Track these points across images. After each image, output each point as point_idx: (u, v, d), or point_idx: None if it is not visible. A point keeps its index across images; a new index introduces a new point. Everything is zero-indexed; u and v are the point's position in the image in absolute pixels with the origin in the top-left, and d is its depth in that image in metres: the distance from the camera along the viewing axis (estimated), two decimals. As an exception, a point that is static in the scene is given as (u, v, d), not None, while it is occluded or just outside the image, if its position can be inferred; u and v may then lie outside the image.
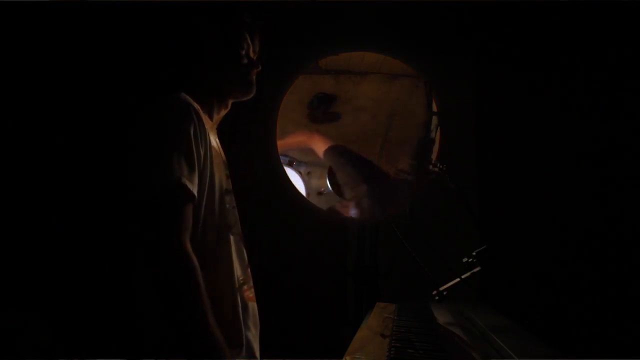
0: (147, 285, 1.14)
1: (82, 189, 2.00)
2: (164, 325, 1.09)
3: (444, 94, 2.22)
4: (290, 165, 2.26)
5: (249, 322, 1.24)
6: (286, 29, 2.21)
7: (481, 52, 2.32)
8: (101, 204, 1.99)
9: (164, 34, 1.74)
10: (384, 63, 2.24)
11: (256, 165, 2.21)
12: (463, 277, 1.64)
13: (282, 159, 2.18)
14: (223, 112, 1.36)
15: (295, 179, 2.22)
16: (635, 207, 1.49)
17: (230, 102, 1.36)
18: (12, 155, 1.92)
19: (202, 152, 1.15)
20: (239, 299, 1.21)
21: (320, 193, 2.24)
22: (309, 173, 2.26)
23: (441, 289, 1.62)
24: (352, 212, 2.19)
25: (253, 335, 1.25)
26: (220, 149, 1.32)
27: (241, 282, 1.25)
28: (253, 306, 1.28)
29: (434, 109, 2.23)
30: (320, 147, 2.23)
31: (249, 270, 1.30)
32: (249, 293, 1.28)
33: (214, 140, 1.29)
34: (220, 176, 1.23)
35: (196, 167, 1.12)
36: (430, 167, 2.13)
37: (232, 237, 1.24)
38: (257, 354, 1.27)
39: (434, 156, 2.19)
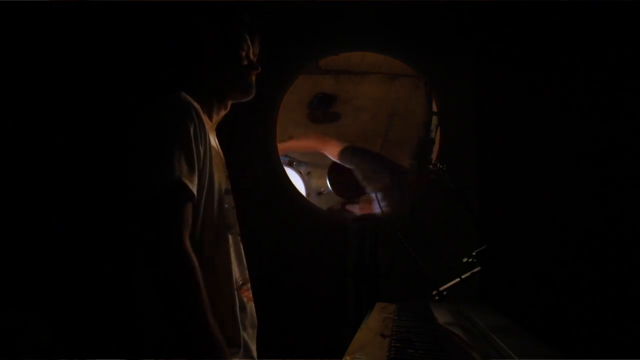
0: (147, 285, 1.14)
1: (82, 189, 2.00)
2: (164, 325, 1.09)
3: (444, 94, 2.22)
4: (290, 165, 2.26)
5: (246, 323, 1.24)
6: (286, 29, 2.21)
7: (481, 52, 2.32)
8: (101, 204, 1.99)
9: (164, 34, 1.74)
10: (384, 63, 2.24)
11: (256, 166, 2.21)
12: (463, 277, 1.64)
13: (282, 159, 2.18)
14: (222, 113, 1.36)
15: (295, 179, 2.22)
16: (635, 207, 1.49)
17: (229, 103, 1.36)
18: (12, 155, 1.92)
19: (201, 152, 1.16)
20: (237, 299, 1.21)
21: (320, 193, 2.24)
22: (309, 173, 2.26)
23: (441, 289, 1.62)
24: (377, 208, 2.19)
25: (250, 335, 1.25)
26: (220, 150, 1.32)
27: (239, 282, 1.25)
28: (251, 307, 1.28)
29: (434, 109, 2.23)
30: (334, 150, 2.23)
31: (246, 270, 1.30)
32: (247, 293, 1.28)
33: (214, 141, 1.29)
34: (219, 176, 1.23)
35: (196, 167, 1.12)
36: (431, 167, 2.13)
37: (230, 237, 1.24)
38: (255, 354, 1.27)
39: (434, 156, 2.19)
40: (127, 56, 2.07)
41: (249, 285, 1.30)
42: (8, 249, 1.86)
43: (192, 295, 1.04)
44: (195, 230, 1.15)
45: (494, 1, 2.11)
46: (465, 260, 1.69)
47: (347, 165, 2.22)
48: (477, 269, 1.67)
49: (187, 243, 1.07)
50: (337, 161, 2.24)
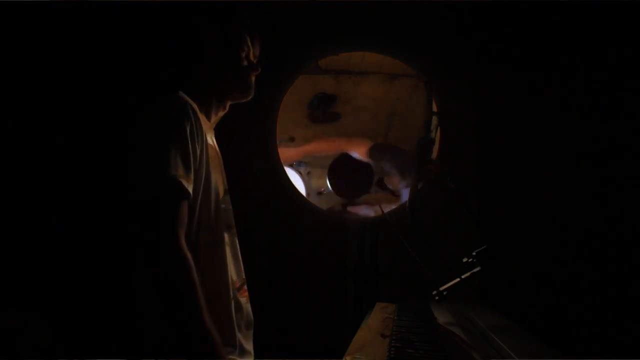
0: (147, 285, 1.14)
1: (82, 189, 2.00)
2: (164, 325, 1.09)
3: (444, 94, 2.22)
4: (290, 165, 2.26)
5: (241, 323, 1.24)
6: (286, 29, 2.22)
7: (481, 52, 2.32)
8: (101, 204, 1.99)
9: (164, 34, 1.74)
10: (384, 63, 2.24)
11: (256, 166, 2.21)
12: (463, 277, 1.64)
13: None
14: (221, 113, 1.36)
15: (295, 179, 2.22)
16: (635, 207, 1.49)
17: (228, 103, 1.36)
18: (12, 155, 1.92)
19: (198, 152, 1.16)
20: (232, 299, 1.21)
21: (320, 193, 2.24)
22: (309, 173, 2.26)
23: (441, 289, 1.62)
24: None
25: (245, 335, 1.25)
26: (218, 150, 1.32)
27: (235, 282, 1.25)
28: (247, 307, 1.28)
29: (434, 109, 2.23)
30: (363, 147, 2.23)
31: (243, 271, 1.30)
32: (244, 294, 1.28)
33: (212, 141, 1.29)
34: (216, 176, 1.23)
35: (192, 166, 1.12)
36: (430, 167, 2.13)
37: (227, 237, 1.24)
38: (252, 354, 1.27)
39: (434, 156, 2.18)
40: (127, 56, 2.07)
41: (245, 285, 1.30)
42: (8, 249, 1.86)
43: (190, 295, 1.04)
44: (191, 230, 1.15)
45: (494, 1, 2.11)
46: (465, 260, 1.69)
47: (377, 162, 2.21)
48: (477, 269, 1.66)
49: (183, 242, 1.07)
50: (366, 159, 2.23)
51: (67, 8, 1.96)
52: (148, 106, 1.17)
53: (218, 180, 1.24)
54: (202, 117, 1.24)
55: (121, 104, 1.96)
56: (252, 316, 1.29)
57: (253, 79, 1.34)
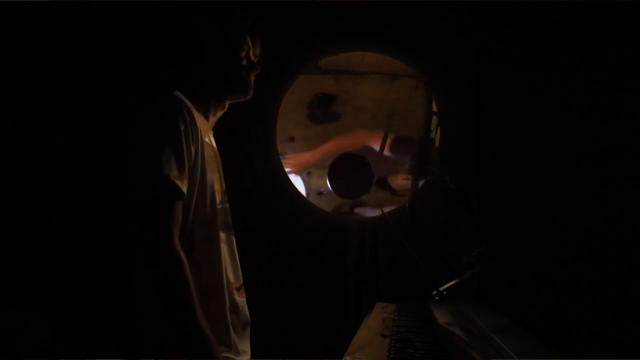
0: (147, 285, 1.14)
1: (81, 189, 2.00)
2: (164, 325, 1.09)
3: (444, 94, 2.22)
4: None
5: (236, 323, 1.24)
6: (286, 29, 2.22)
7: (481, 52, 2.32)
8: (101, 203, 1.99)
9: (164, 34, 1.74)
10: (384, 63, 2.24)
11: (256, 166, 2.21)
12: (463, 277, 1.64)
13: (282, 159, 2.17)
14: (220, 113, 1.36)
15: (295, 179, 2.21)
16: (635, 207, 1.49)
17: (227, 103, 1.36)
18: (12, 155, 1.92)
19: (193, 150, 1.16)
20: (227, 298, 1.21)
21: (320, 193, 2.24)
22: (309, 173, 2.26)
23: (441, 289, 1.62)
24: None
25: (241, 335, 1.25)
26: (216, 149, 1.32)
27: (232, 282, 1.25)
28: (243, 307, 1.28)
29: (434, 109, 2.22)
30: (383, 141, 2.22)
31: (240, 270, 1.30)
32: (240, 293, 1.28)
33: (210, 140, 1.29)
34: (212, 175, 1.23)
35: (186, 166, 1.12)
36: (430, 166, 2.13)
37: (224, 237, 1.24)
38: (248, 353, 1.27)
39: (434, 156, 2.18)
40: (127, 56, 2.07)
41: (242, 285, 1.30)
42: (8, 249, 1.86)
43: (181, 294, 1.05)
44: (186, 229, 1.15)
45: (494, 1, 2.11)
46: (465, 260, 1.69)
47: (396, 155, 2.21)
48: (477, 269, 1.67)
49: (177, 242, 1.08)
50: (386, 152, 2.22)
51: (67, 8, 1.96)
52: (146, 106, 1.18)
53: (214, 179, 1.24)
54: (200, 117, 1.24)
55: (121, 104, 1.96)
56: (248, 316, 1.29)
57: (252, 78, 1.34)
